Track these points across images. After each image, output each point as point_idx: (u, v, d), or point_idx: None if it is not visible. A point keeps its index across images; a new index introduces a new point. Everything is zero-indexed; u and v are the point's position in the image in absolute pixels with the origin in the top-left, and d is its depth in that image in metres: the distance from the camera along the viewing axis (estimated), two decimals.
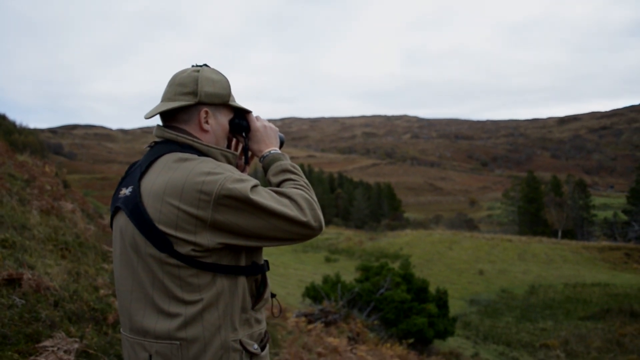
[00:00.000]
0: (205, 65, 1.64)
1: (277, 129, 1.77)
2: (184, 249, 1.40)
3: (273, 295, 1.71)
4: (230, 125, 1.67)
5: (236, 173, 1.45)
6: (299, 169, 1.65)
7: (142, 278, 1.46)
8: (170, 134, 1.55)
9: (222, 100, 1.60)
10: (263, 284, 1.59)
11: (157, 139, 1.59)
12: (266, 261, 1.61)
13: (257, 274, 1.54)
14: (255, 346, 1.52)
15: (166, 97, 1.59)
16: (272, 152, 1.68)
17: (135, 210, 1.45)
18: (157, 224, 1.41)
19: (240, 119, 1.70)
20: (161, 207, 1.41)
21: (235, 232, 1.42)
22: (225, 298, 1.45)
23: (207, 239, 1.40)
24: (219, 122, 1.61)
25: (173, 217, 1.39)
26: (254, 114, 1.74)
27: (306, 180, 1.61)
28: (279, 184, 1.60)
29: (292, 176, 1.61)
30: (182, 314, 1.42)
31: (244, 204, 1.40)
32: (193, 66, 1.63)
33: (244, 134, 1.71)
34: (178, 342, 1.42)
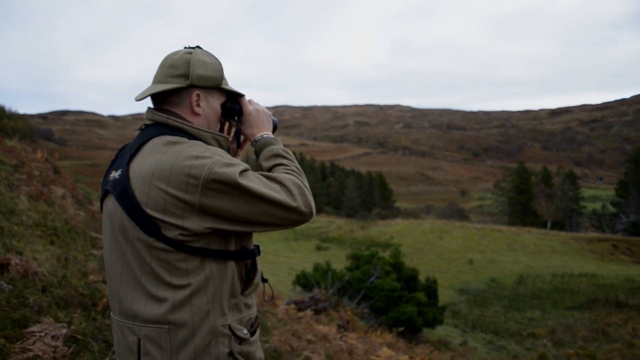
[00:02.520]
0: (198, 47, 1.61)
1: (270, 112, 1.75)
2: (172, 233, 1.39)
3: (265, 280, 1.69)
4: (223, 108, 1.64)
5: (226, 157, 1.43)
6: (291, 153, 1.64)
7: (131, 262, 1.45)
8: (161, 117, 1.53)
9: (214, 84, 1.57)
10: (253, 269, 1.57)
11: (147, 122, 1.57)
12: (257, 246, 1.60)
13: (246, 259, 1.53)
14: (245, 331, 1.51)
15: (157, 79, 1.56)
16: (264, 136, 1.67)
17: (124, 193, 1.43)
18: (144, 208, 1.39)
19: (233, 102, 1.67)
20: (149, 191, 1.39)
21: (224, 217, 1.41)
22: (214, 283, 1.44)
23: (196, 224, 1.39)
24: (210, 105, 1.59)
25: (161, 201, 1.38)
26: (247, 97, 1.71)
27: (298, 166, 1.60)
28: (270, 169, 1.58)
29: (284, 161, 1.59)
30: (170, 299, 1.41)
31: (233, 188, 1.38)
32: (185, 48, 1.60)
33: (236, 118, 1.68)
34: (166, 327, 1.41)
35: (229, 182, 1.37)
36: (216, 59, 1.61)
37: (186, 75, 1.53)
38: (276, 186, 1.46)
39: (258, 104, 1.73)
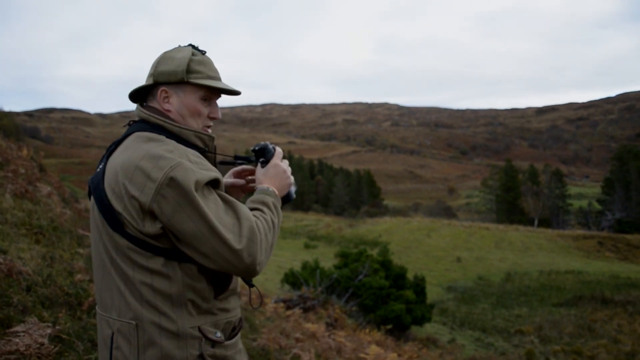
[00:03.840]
0: (190, 45, 1.59)
1: (291, 182, 1.69)
2: (133, 231, 1.38)
3: (251, 285, 1.64)
4: (258, 148, 1.64)
5: (194, 162, 1.39)
6: (280, 212, 1.58)
7: (104, 256, 1.45)
8: (144, 114, 1.53)
9: (177, 78, 1.52)
10: (228, 274, 1.50)
11: (135, 118, 1.59)
12: None
13: None
14: (218, 334, 1.47)
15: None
16: (270, 189, 1.60)
17: (97, 187, 1.44)
18: (111, 203, 1.39)
19: (268, 151, 1.66)
20: (115, 186, 1.39)
21: (167, 227, 1.37)
22: (179, 285, 1.41)
23: (150, 225, 1.37)
24: (182, 100, 1.54)
25: (124, 197, 1.37)
26: (280, 153, 1.67)
27: (276, 222, 1.52)
28: (249, 209, 1.51)
29: (265, 209, 1.52)
30: (137, 296, 1.40)
31: (182, 197, 1.33)
32: (176, 47, 1.60)
33: (261, 160, 1.65)
34: (134, 322, 1.40)
35: (182, 189, 1.33)
36: (187, 53, 1.55)
37: (152, 74, 1.55)
38: (229, 218, 1.38)
39: (287, 166, 1.69)
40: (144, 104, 1.59)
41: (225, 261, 1.36)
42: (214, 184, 1.41)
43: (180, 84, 1.54)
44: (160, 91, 1.54)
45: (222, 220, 1.36)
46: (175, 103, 1.54)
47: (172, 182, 1.32)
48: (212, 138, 1.57)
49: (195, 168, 1.37)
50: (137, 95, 1.61)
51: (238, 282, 1.59)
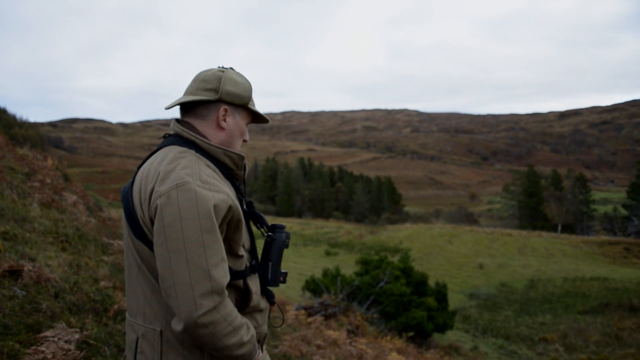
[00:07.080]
0: (231, 68, 1.67)
1: None
2: (151, 239, 1.43)
3: (272, 303, 1.66)
4: (273, 226, 1.67)
5: (205, 182, 1.40)
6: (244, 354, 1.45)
7: (132, 263, 1.51)
8: (179, 129, 1.58)
9: (242, 102, 1.62)
10: (248, 291, 1.53)
11: (170, 132, 1.64)
12: (252, 266, 1.56)
13: (230, 280, 1.47)
14: None
15: (188, 92, 1.62)
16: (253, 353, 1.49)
17: (125, 196, 1.50)
18: (136, 210, 1.45)
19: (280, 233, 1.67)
20: (140, 193, 1.45)
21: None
22: None
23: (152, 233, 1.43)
24: (237, 122, 1.63)
25: (144, 207, 1.43)
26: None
27: (243, 339, 1.42)
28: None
29: (245, 329, 1.44)
30: (162, 303, 1.44)
31: (170, 218, 1.35)
32: (219, 67, 1.67)
33: (269, 235, 1.66)
34: (159, 329, 1.44)
35: (173, 208, 1.34)
36: (246, 80, 1.66)
37: (216, 90, 1.58)
38: (212, 266, 1.34)
39: None
40: (180, 119, 1.64)
41: (172, 299, 1.33)
42: (219, 208, 1.39)
43: (238, 106, 1.63)
44: (222, 109, 1.59)
45: (204, 253, 1.34)
46: (230, 123, 1.62)
47: (169, 200, 1.35)
48: (241, 157, 1.61)
49: (203, 190, 1.38)
50: (184, 108, 1.64)
51: (262, 300, 1.60)
